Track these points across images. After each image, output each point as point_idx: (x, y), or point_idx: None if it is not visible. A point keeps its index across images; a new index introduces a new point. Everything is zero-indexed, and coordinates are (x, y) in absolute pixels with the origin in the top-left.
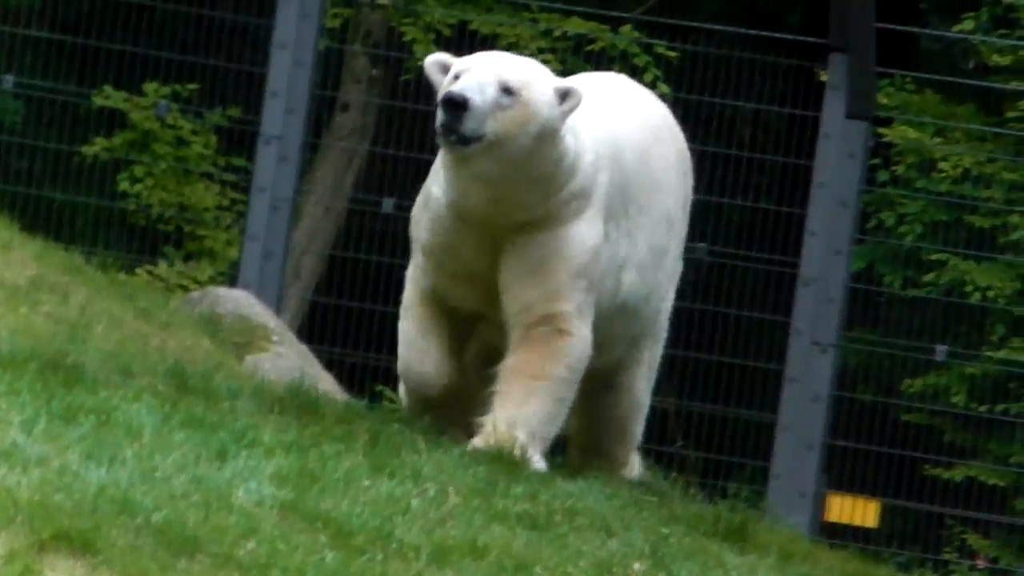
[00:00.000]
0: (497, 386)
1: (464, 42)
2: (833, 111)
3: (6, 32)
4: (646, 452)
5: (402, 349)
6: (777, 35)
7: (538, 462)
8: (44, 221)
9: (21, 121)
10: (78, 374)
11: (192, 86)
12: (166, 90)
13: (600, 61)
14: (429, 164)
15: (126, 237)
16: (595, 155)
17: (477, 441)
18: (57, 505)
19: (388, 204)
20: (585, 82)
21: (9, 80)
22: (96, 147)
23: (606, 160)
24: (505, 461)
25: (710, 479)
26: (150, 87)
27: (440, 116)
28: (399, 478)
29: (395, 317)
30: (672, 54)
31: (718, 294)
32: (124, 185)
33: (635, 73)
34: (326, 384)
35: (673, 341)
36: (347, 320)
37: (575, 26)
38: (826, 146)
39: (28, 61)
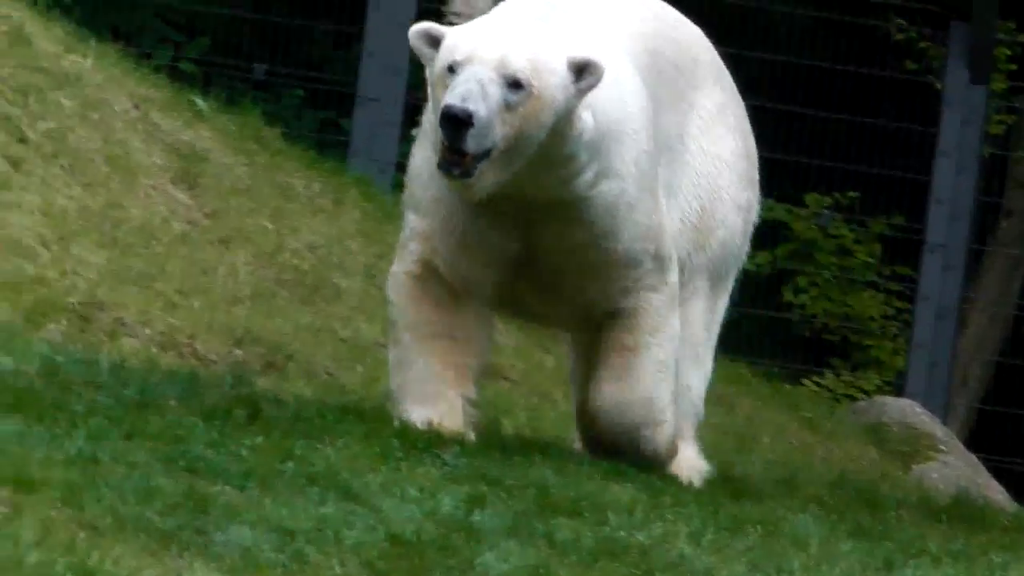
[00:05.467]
0: (594, 366)
1: None
2: None
3: None
4: None
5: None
6: None
7: (695, 454)
8: None
9: None
10: (745, 485)
11: (853, 194)
12: (828, 200)
13: None
14: None
15: (791, 347)
16: (614, 119)
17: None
18: None
19: None
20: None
21: None
22: (759, 259)
23: (642, 113)
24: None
25: None
26: (811, 197)
27: (440, 133)
28: None
29: None
30: None
31: None
32: (788, 296)
33: None
34: (995, 493)
35: None
36: (1016, 428)
37: None
38: None
39: None
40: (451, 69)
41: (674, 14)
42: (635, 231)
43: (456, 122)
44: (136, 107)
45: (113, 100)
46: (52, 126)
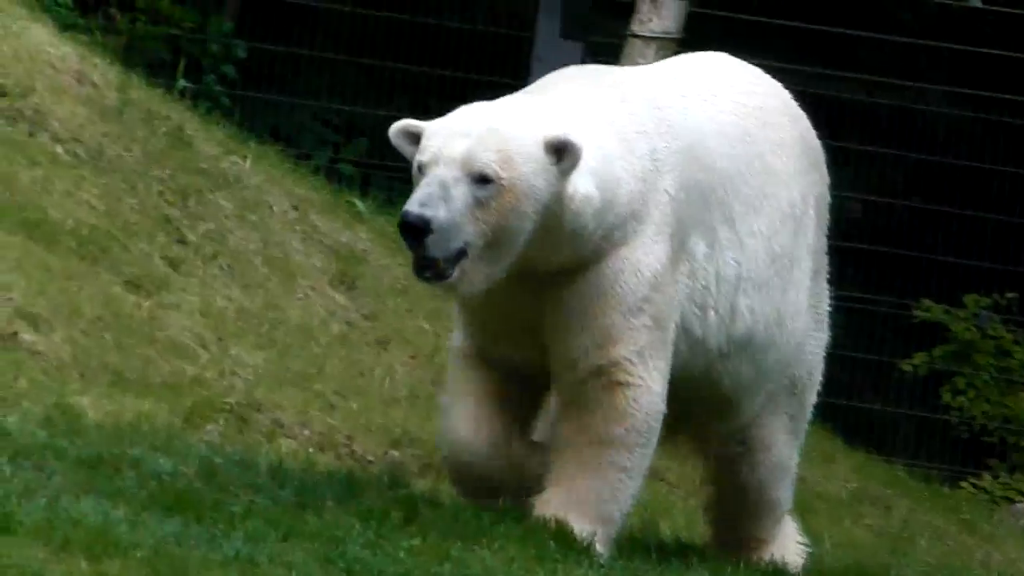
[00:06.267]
0: (550, 460)
1: None
2: None
3: None
4: None
5: (441, 422)
6: None
7: (600, 551)
8: (865, 433)
9: (842, 333)
10: None
11: (1012, 295)
12: (986, 300)
13: None
14: None
15: (949, 449)
16: (647, 162)
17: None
18: None
19: None
20: (662, 67)
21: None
22: (917, 360)
23: (673, 157)
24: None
25: None
26: (970, 298)
27: (403, 241)
28: None
29: None
30: None
31: None
32: (946, 397)
33: None
34: None
35: None
36: None
37: None
38: None
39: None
40: (420, 169)
41: (792, 108)
42: (629, 274)
43: (413, 230)
44: (295, 208)
45: (272, 201)
46: (211, 227)
